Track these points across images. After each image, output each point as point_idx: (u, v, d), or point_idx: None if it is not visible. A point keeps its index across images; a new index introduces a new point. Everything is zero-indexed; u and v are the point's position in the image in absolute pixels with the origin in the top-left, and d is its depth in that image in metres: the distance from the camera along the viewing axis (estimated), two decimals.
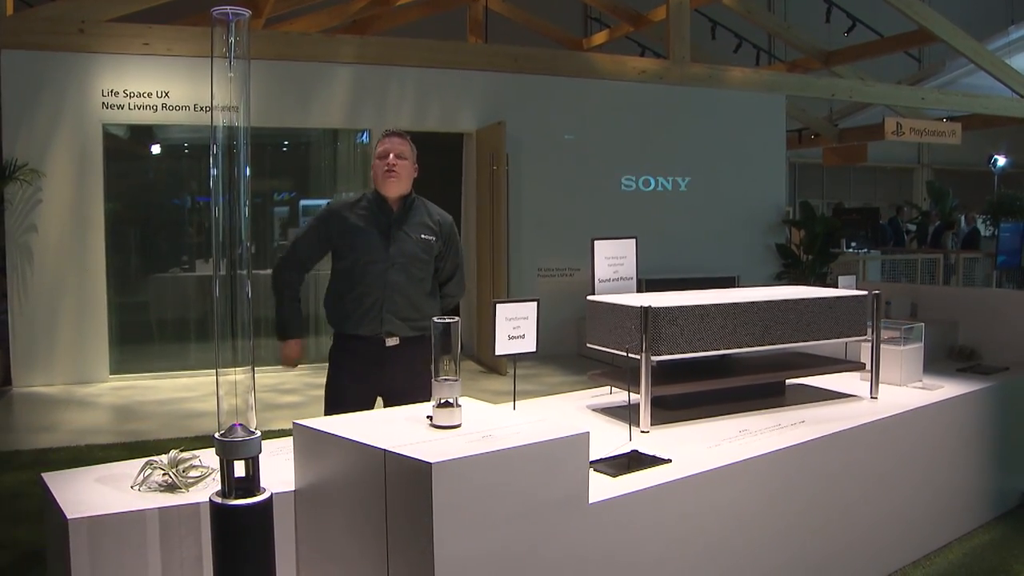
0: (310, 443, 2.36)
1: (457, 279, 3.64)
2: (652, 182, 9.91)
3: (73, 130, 7.63)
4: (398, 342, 3.40)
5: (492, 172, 8.50)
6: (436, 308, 3.54)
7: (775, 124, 10.74)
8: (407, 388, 3.35)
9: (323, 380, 3.56)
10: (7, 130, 7.43)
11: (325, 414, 3.34)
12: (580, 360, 8.27)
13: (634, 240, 3.67)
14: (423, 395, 3.28)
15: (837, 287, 4.00)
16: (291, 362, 3.55)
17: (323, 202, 9.12)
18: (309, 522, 2.38)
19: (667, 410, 3.27)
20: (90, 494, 2.30)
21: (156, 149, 8.73)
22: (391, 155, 3.37)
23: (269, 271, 3.59)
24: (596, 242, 3.56)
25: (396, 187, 3.41)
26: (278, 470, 2.53)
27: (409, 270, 3.41)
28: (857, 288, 3.96)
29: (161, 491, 2.33)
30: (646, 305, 3.05)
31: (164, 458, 2.42)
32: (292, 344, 3.53)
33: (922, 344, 4.01)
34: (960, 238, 14.57)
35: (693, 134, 10.06)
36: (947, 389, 3.88)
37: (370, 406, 3.37)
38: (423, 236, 3.44)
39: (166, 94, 7.87)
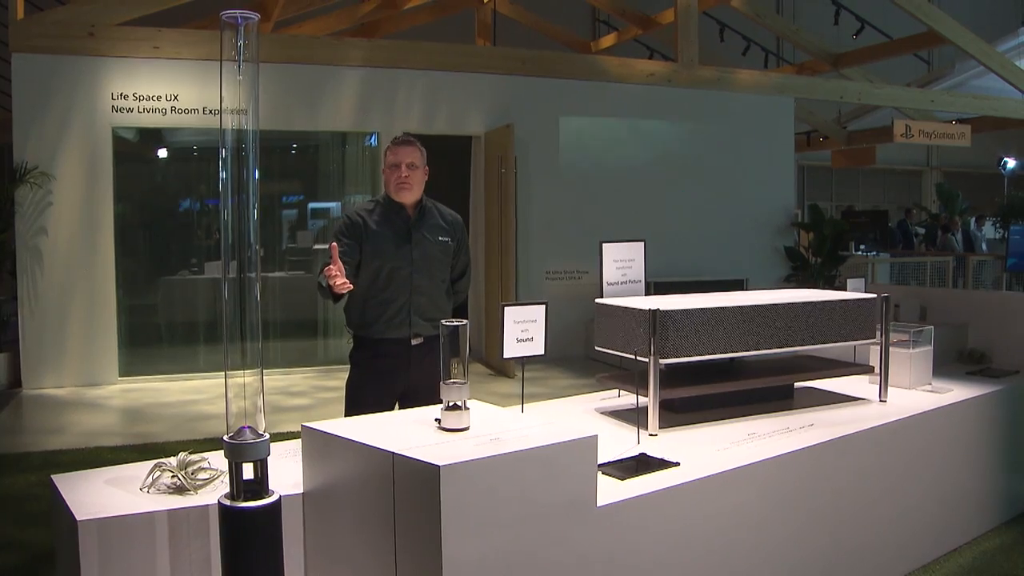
0: (319, 446, 2.37)
1: (468, 275, 3.74)
2: (661, 185, 9.89)
3: (83, 133, 7.66)
4: (422, 341, 3.47)
5: (500, 175, 8.49)
6: (450, 304, 3.62)
7: (783, 126, 10.72)
8: (430, 384, 3.36)
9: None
10: (17, 133, 7.47)
11: (346, 415, 3.37)
12: (588, 363, 8.27)
13: (642, 243, 3.68)
14: None
15: (846, 290, 3.99)
16: (338, 279, 3.16)
17: (332, 205, 9.14)
18: (317, 524, 2.38)
19: (675, 413, 3.26)
20: (99, 496, 2.32)
21: (165, 152, 8.75)
22: (403, 165, 3.43)
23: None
24: (604, 245, 3.57)
25: (410, 196, 3.48)
26: (287, 472, 2.54)
27: (432, 273, 3.50)
28: (866, 291, 3.95)
29: (170, 493, 2.34)
30: (654, 308, 3.04)
31: (173, 460, 2.43)
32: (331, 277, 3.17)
33: (931, 347, 4.00)
34: (959, 240, 14.51)
35: (701, 137, 10.05)
36: (957, 392, 3.86)
37: (391, 407, 3.40)
38: (440, 238, 3.53)
39: (175, 97, 7.89)
